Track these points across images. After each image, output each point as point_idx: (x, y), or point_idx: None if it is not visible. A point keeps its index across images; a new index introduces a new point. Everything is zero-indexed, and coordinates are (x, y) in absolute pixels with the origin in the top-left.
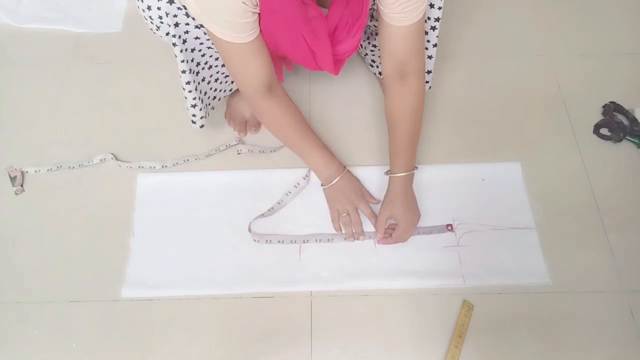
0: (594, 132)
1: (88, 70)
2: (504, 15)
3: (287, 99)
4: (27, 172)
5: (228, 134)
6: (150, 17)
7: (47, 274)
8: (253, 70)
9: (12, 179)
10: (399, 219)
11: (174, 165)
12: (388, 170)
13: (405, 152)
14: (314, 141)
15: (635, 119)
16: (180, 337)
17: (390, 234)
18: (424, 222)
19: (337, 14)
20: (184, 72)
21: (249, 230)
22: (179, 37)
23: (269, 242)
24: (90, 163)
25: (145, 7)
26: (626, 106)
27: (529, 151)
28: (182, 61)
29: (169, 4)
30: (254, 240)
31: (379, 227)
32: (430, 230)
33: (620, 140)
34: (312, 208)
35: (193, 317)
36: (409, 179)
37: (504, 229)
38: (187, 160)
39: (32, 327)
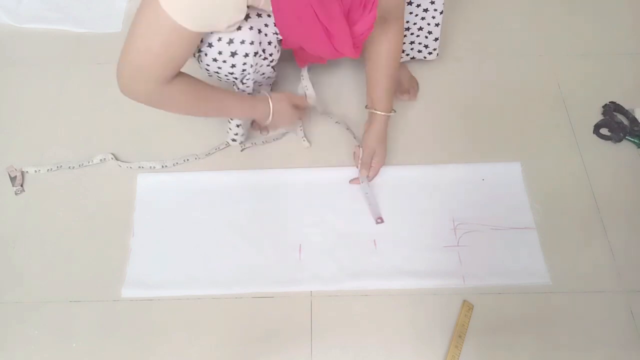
0: (594, 132)
1: (88, 70)
2: (504, 15)
3: (178, 77)
4: (27, 172)
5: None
6: (231, 73)
7: (47, 274)
8: (177, 58)
9: (12, 179)
10: (378, 151)
11: (174, 165)
12: (367, 105)
13: (384, 88)
14: (229, 97)
15: (635, 119)
16: (180, 337)
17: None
18: (425, 221)
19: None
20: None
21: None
22: (244, 76)
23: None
24: (90, 163)
25: (228, 67)
26: (626, 106)
27: (529, 151)
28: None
29: (254, 57)
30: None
31: (365, 163)
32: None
33: (620, 140)
34: (312, 210)
35: (193, 317)
36: (386, 120)
37: (504, 229)
38: (187, 160)
39: (32, 327)
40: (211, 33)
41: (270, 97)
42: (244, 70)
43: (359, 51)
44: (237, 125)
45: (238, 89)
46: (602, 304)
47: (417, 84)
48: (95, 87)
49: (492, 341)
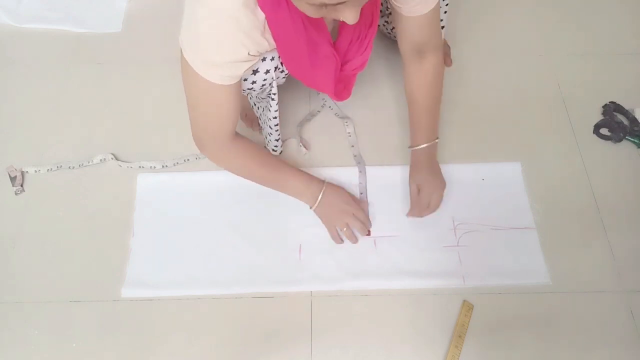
0: (594, 132)
1: (88, 70)
2: (504, 15)
3: (244, 138)
4: (27, 172)
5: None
6: (251, 89)
7: (47, 274)
8: (227, 116)
9: (12, 179)
10: (422, 183)
11: (174, 164)
12: (410, 146)
13: (425, 126)
14: (286, 169)
15: (635, 119)
16: (180, 337)
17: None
18: (425, 221)
19: (348, 35)
20: (275, 117)
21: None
22: (275, 93)
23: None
24: (90, 163)
25: (249, 84)
26: (626, 106)
27: (529, 151)
28: (276, 110)
29: (275, 72)
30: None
31: (413, 198)
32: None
33: (620, 140)
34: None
35: (193, 317)
36: (431, 149)
37: (504, 229)
38: (188, 159)
39: (32, 327)
40: None
41: (325, 185)
42: (263, 85)
43: (348, 93)
44: (277, 140)
45: (255, 105)
46: (602, 304)
47: (449, 47)
48: (95, 87)
49: (492, 341)
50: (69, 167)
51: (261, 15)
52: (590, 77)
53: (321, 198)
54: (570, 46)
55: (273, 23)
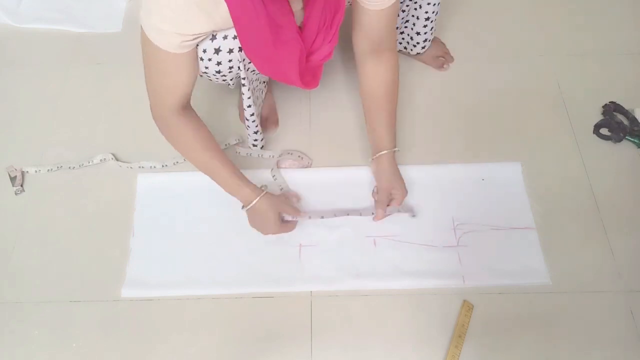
0: (594, 132)
1: (88, 70)
2: (504, 15)
3: (198, 119)
4: (27, 172)
5: (228, 133)
6: (218, 71)
7: (47, 274)
8: (178, 83)
9: (12, 179)
10: (387, 187)
11: (174, 164)
12: (372, 158)
13: (385, 130)
14: (226, 163)
15: (635, 119)
16: (180, 337)
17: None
18: (424, 221)
19: (314, 22)
20: (249, 106)
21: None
22: (247, 77)
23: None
24: (90, 163)
25: (214, 65)
26: (626, 106)
27: (529, 151)
28: (249, 97)
29: (240, 52)
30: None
31: (381, 204)
32: (399, 210)
33: (620, 140)
34: (312, 210)
35: (193, 317)
36: (392, 155)
37: (504, 229)
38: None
39: (32, 327)
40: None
41: (262, 195)
42: (231, 68)
43: (316, 82)
44: (255, 132)
45: (243, 94)
46: (602, 304)
47: (443, 44)
48: (95, 87)
49: (492, 341)
50: (69, 167)
51: None
52: (590, 77)
53: (254, 204)
54: (570, 46)
55: (231, 1)
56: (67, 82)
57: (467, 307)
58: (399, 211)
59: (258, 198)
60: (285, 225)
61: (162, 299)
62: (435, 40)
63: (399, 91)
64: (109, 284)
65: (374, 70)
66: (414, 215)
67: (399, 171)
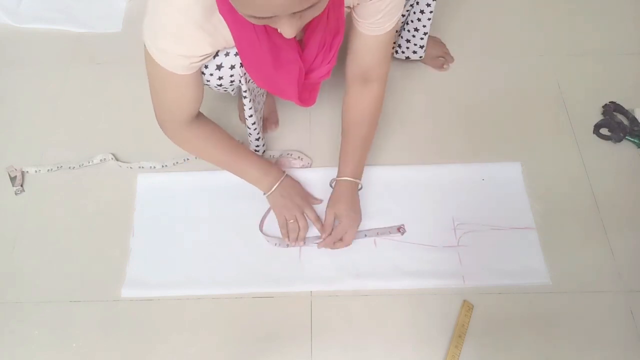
0: (594, 132)
1: (88, 70)
2: (504, 15)
3: (208, 121)
4: (27, 172)
5: (229, 133)
6: (220, 85)
7: (47, 274)
8: (186, 102)
9: (12, 179)
10: (341, 215)
11: (174, 164)
12: (333, 179)
13: (354, 157)
14: (245, 154)
15: (635, 119)
16: (180, 337)
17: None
18: (425, 221)
19: (315, 44)
20: (251, 116)
21: (261, 229)
22: (248, 89)
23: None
24: (90, 163)
25: (216, 80)
26: (626, 106)
27: (529, 151)
28: (250, 108)
29: (241, 68)
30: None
31: (327, 227)
32: (377, 232)
33: (620, 140)
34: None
35: (193, 317)
36: (355, 186)
37: (504, 229)
38: (188, 159)
39: (32, 327)
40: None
41: (285, 176)
42: (232, 82)
43: (313, 100)
44: (257, 139)
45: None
46: (602, 304)
47: (444, 44)
48: (95, 87)
49: (492, 341)
50: (69, 167)
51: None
52: (590, 77)
53: (277, 186)
54: (570, 46)
55: (232, 24)
56: (67, 82)
57: (467, 307)
58: (389, 232)
59: (285, 174)
60: (313, 197)
61: (162, 299)
62: (435, 40)
63: (376, 126)
64: (109, 284)
65: (357, 98)
66: (403, 233)
67: (358, 203)
